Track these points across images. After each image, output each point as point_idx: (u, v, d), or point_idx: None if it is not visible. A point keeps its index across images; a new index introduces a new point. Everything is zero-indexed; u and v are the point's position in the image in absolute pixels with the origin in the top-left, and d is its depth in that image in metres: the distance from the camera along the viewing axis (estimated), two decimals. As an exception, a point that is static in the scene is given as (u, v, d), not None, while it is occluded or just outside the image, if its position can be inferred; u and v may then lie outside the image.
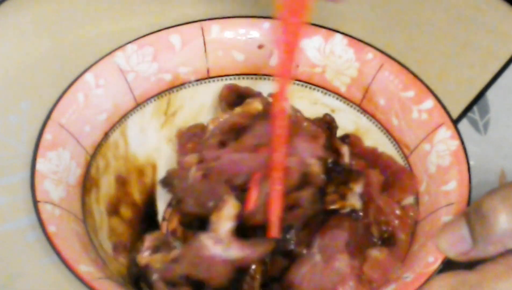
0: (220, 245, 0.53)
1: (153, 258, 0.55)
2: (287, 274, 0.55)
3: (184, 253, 0.54)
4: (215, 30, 0.64)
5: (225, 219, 0.54)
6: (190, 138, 0.62)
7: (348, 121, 0.64)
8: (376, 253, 0.55)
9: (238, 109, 0.61)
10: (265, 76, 0.65)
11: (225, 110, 0.62)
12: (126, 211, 0.61)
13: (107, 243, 0.58)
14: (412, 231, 0.57)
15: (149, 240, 0.57)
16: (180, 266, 0.54)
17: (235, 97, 0.63)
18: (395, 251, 0.55)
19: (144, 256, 0.56)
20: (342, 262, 0.54)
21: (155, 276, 0.55)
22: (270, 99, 0.61)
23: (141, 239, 0.57)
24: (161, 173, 0.63)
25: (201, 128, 0.62)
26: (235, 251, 0.53)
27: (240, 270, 0.54)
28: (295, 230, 0.55)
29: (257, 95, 0.62)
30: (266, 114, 0.58)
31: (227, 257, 0.53)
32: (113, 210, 0.60)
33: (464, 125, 0.65)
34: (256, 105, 0.60)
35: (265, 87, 0.64)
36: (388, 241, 0.56)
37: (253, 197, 0.55)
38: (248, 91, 0.63)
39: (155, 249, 0.56)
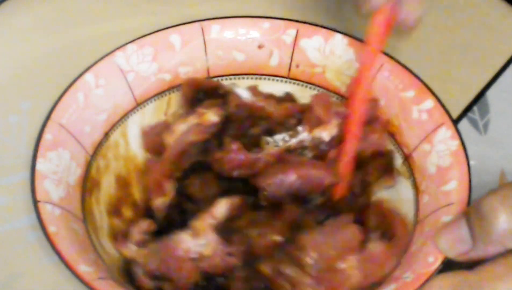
0: (196, 239, 0.54)
1: (137, 252, 0.56)
2: (294, 240, 0.55)
3: (158, 248, 0.55)
4: (215, 30, 0.64)
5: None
6: (155, 136, 0.61)
7: (348, 121, 0.64)
8: (373, 246, 0.55)
9: (192, 120, 0.60)
10: (265, 76, 0.65)
11: (185, 109, 0.62)
12: (126, 211, 0.60)
13: (107, 243, 0.58)
14: (410, 228, 0.57)
15: (136, 233, 0.57)
16: (153, 262, 0.54)
17: (196, 93, 0.62)
18: (393, 246, 0.55)
19: (129, 250, 0.56)
20: (351, 233, 0.54)
21: (138, 270, 0.55)
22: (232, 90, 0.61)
23: (129, 232, 0.57)
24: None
25: (165, 126, 0.62)
26: (210, 248, 0.54)
27: (207, 277, 0.54)
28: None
29: (218, 88, 0.62)
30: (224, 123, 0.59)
31: (198, 253, 0.54)
32: (114, 210, 0.60)
33: (464, 125, 0.65)
34: (210, 117, 0.59)
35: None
36: (385, 234, 0.56)
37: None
38: (209, 84, 0.62)
39: (141, 243, 0.56)
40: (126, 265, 0.56)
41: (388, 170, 0.61)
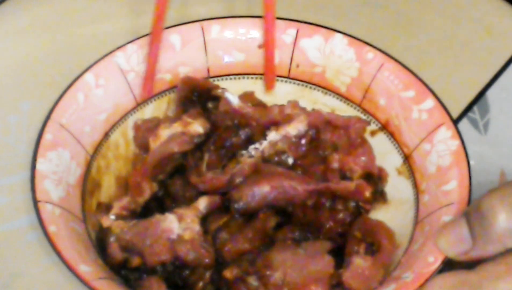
0: (180, 223, 0.54)
1: (115, 223, 0.56)
2: (265, 254, 0.55)
3: (140, 223, 0.55)
4: (215, 30, 0.64)
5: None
6: (145, 132, 0.61)
7: (348, 121, 0.64)
8: (359, 261, 0.54)
9: (177, 127, 0.59)
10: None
11: (177, 109, 0.62)
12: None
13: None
14: (396, 240, 0.57)
15: (118, 207, 0.57)
16: (129, 233, 0.55)
17: (191, 93, 0.62)
18: (379, 259, 0.55)
19: (108, 219, 0.56)
20: (324, 264, 0.54)
21: (111, 239, 0.55)
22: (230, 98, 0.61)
23: (110, 205, 0.57)
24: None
25: (156, 122, 0.62)
26: (190, 233, 0.54)
27: (174, 264, 0.54)
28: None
29: (212, 90, 0.61)
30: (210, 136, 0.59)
31: (177, 235, 0.54)
32: (113, 210, 0.60)
33: (464, 125, 0.65)
34: (195, 128, 0.59)
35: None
36: (372, 247, 0.56)
37: None
38: (205, 85, 0.62)
39: (120, 217, 0.56)
40: (101, 237, 0.56)
41: (380, 194, 0.61)
